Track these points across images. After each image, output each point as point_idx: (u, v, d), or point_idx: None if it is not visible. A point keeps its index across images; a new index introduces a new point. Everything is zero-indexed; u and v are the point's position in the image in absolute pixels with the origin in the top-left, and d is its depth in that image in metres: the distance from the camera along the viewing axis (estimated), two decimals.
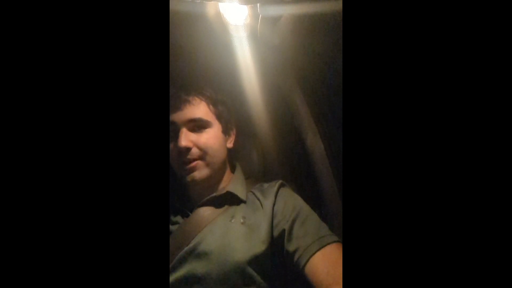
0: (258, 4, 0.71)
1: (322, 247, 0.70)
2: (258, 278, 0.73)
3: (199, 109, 0.80)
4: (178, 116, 0.78)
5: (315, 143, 0.88)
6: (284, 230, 0.74)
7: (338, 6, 0.57)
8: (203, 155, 0.79)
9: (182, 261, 0.72)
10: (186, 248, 0.73)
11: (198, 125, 0.80)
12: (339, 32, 0.51)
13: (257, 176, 0.95)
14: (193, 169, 0.78)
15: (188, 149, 0.77)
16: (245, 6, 0.75)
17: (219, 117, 0.84)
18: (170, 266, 0.72)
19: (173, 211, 0.81)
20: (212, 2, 0.74)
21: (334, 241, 0.71)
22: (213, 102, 0.83)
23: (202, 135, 0.79)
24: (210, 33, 0.85)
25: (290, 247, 0.72)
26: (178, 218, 0.80)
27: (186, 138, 0.77)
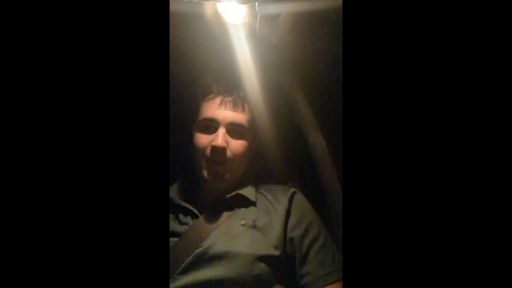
0: (256, 3, 0.71)
1: (338, 280, 0.72)
2: (272, 281, 0.73)
3: (244, 116, 0.81)
4: (222, 114, 0.78)
5: (317, 140, 0.88)
6: (297, 248, 0.75)
7: (337, 3, 0.56)
8: (232, 160, 0.79)
9: (193, 264, 0.71)
10: (196, 252, 0.72)
11: (236, 131, 0.80)
12: (339, 29, 0.51)
13: (262, 176, 0.95)
14: (220, 170, 0.78)
15: (224, 150, 0.77)
16: (243, 5, 0.75)
17: (253, 129, 0.84)
18: (180, 269, 0.71)
19: (182, 211, 0.81)
20: (210, 2, 0.74)
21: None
22: (254, 112, 0.84)
23: (237, 141, 0.79)
24: (208, 33, 0.85)
25: (302, 270, 0.74)
26: (188, 219, 0.79)
27: (223, 139, 0.77)
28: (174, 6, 0.68)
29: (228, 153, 0.78)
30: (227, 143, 0.78)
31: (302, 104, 0.90)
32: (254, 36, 0.85)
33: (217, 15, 0.80)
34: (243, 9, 0.78)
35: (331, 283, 0.72)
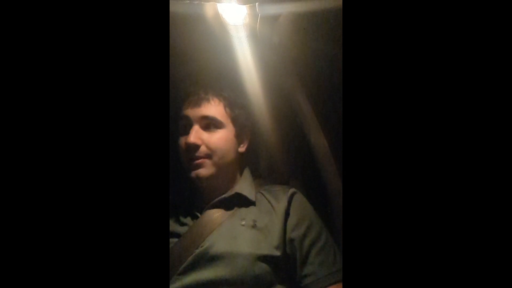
0: (256, 4, 0.71)
1: (339, 280, 0.72)
2: (273, 281, 0.73)
3: (215, 109, 0.81)
4: (192, 112, 0.80)
5: (318, 140, 0.88)
6: (297, 249, 0.75)
7: (338, 3, 0.56)
8: (211, 154, 0.79)
9: (194, 265, 0.71)
10: (197, 252, 0.72)
11: (210, 124, 0.81)
12: (339, 29, 0.51)
13: (263, 176, 0.95)
14: (198, 166, 0.78)
15: (196, 146, 0.78)
16: (243, 6, 0.75)
17: (234, 120, 0.84)
18: (180, 269, 0.71)
19: (182, 212, 0.81)
20: (211, 2, 0.74)
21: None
22: (230, 105, 0.84)
23: (213, 134, 0.80)
24: (209, 34, 0.85)
25: (304, 271, 0.74)
26: (187, 220, 0.79)
27: (196, 135, 0.78)
28: (174, 7, 0.68)
29: (204, 148, 0.79)
30: (201, 138, 0.79)
31: (303, 104, 0.90)
32: (255, 37, 0.85)
33: (217, 16, 0.81)
34: (244, 10, 0.78)
35: (332, 284, 0.72)
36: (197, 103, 0.81)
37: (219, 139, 0.80)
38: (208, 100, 0.81)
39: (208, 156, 0.79)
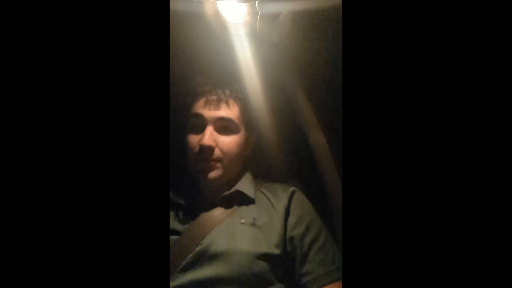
0: (256, 2, 0.71)
1: (338, 279, 0.73)
2: (272, 279, 0.73)
3: (232, 111, 0.81)
4: (209, 112, 0.79)
5: (318, 139, 0.88)
6: (297, 247, 0.75)
7: (337, 1, 0.56)
8: (223, 157, 0.79)
9: (193, 262, 0.72)
10: (196, 250, 0.72)
11: (226, 127, 0.80)
12: (339, 28, 0.51)
13: (263, 175, 0.95)
14: (210, 168, 0.78)
15: (211, 149, 0.77)
16: (243, 4, 0.75)
17: (247, 124, 0.84)
18: (180, 267, 0.71)
19: (182, 210, 0.81)
20: (210, 0, 0.74)
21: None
22: (246, 108, 0.83)
23: (227, 138, 0.80)
24: (209, 32, 0.85)
25: (303, 269, 0.74)
26: (188, 218, 0.80)
27: (210, 137, 0.77)
28: (174, 5, 0.68)
29: (217, 151, 0.78)
30: (216, 141, 0.78)
31: (303, 102, 0.90)
32: (255, 35, 0.84)
33: (217, 14, 0.80)
34: (244, 8, 0.78)
35: (331, 282, 0.72)
36: (216, 105, 0.79)
37: (232, 143, 0.80)
38: (227, 103, 0.80)
39: (220, 159, 0.79)
